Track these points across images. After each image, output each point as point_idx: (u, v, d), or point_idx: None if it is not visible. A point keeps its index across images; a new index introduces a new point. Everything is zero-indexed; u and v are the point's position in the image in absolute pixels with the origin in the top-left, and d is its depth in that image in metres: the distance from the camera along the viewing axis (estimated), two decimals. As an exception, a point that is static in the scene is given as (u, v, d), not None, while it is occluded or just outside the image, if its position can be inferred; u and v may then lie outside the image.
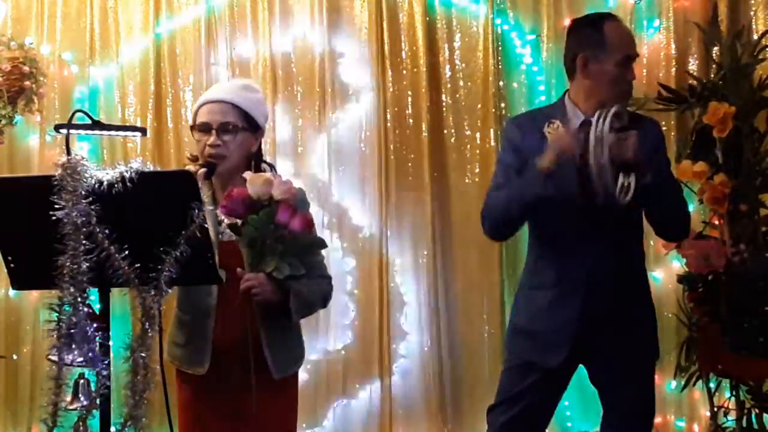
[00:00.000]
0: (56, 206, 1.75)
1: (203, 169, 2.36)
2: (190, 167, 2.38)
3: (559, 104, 2.64)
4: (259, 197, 2.24)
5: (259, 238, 2.24)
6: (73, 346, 1.77)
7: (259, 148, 2.56)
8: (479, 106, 4.04)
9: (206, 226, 1.88)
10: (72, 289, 1.75)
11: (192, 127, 2.49)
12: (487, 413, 2.72)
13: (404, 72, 4.11)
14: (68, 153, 1.84)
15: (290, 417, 2.51)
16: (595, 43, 2.53)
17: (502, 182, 2.57)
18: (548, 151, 2.39)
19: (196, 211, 1.83)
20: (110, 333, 1.91)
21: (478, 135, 4.07)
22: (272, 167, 2.61)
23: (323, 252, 2.51)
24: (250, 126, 2.47)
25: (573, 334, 2.53)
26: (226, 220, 2.40)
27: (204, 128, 2.44)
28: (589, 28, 2.58)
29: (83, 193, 1.77)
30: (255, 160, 2.52)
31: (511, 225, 2.61)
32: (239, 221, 2.27)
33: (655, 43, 3.99)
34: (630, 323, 2.57)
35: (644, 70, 3.97)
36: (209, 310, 2.38)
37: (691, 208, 3.54)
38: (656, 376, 3.85)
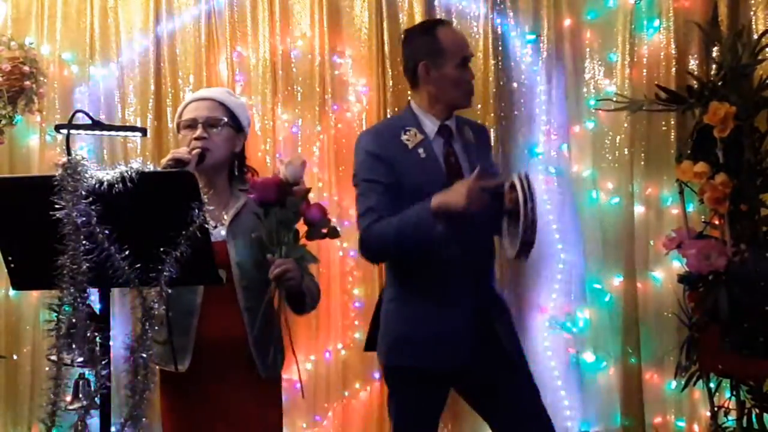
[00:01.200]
0: (56, 206, 1.75)
1: (197, 151, 2.38)
2: (181, 150, 2.39)
3: (408, 114, 2.67)
4: (296, 180, 2.26)
5: (290, 224, 2.26)
6: (73, 346, 1.77)
7: (243, 150, 2.58)
8: (479, 106, 4.04)
9: (206, 226, 1.88)
10: (72, 289, 1.75)
11: (178, 126, 2.53)
12: None
13: (404, 72, 4.10)
14: (68, 153, 1.84)
15: (275, 417, 2.51)
16: (432, 51, 2.61)
17: (375, 206, 2.50)
18: (450, 197, 2.37)
19: (196, 211, 1.84)
20: (110, 333, 1.91)
21: (478, 135, 4.06)
22: (255, 171, 2.62)
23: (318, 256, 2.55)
24: (235, 124, 2.51)
25: (470, 334, 2.52)
26: (212, 222, 2.40)
27: (190, 124, 2.47)
28: (424, 36, 2.65)
29: (83, 193, 1.77)
30: (238, 161, 2.55)
31: (398, 254, 2.53)
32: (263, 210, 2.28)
33: (655, 43, 3.99)
34: (506, 318, 2.67)
35: (644, 70, 3.98)
36: (194, 307, 2.38)
37: (691, 208, 3.58)
38: (656, 376, 3.90)
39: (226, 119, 2.48)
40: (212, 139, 2.44)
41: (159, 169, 2.36)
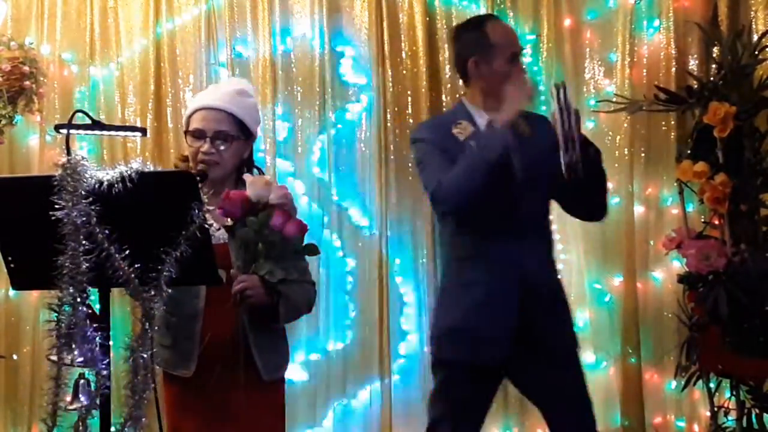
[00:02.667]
0: (56, 206, 1.75)
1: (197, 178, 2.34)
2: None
3: (460, 109, 2.70)
4: (259, 199, 2.24)
5: (254, 241, 2.24)
6: (73, 346, 1.77)
7: (251, 154, 2.57)
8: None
9: (206, 226, 1.88)
10: (72, 290, 1.75)
11: (185, 132, 2.49)
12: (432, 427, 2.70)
13: (404, 72, 4.10)
14: (68, 153, 1.84)
15: (278, 419, 2.50)
16: (481, 46, 2.62)
17: (438, 167, 2.54)
18: (506, 108, 2.45)
19: (196, 211, 1.83)
20: (110, 333, 1.90)
21: (478, 135, 4.06)
22: (261, 172, 2.61)
23: (308, 258, 2.50)
24: (244, 134, 2.47)
25: (513, 326, 2.54)
26: (215, 224, 2.40)
27: (198, 135, 2.43)
28: (473, 32, 2.66)
29: (83, 193, 1.76)
30: (246, 166, 2.53)
31: (472, 195, 2.50)
32: (232, 223, 2.27)
33: (655, 43, 3.98)
34: (564, 315, 2.67)
35: (644, 70, 3.97)
36: (197, 312, 2.37)
37: (691, 208, 3.58)
38: (656, 376, 3.90)
39: (234, 133, 2.43)
40: (220, 154, 2.41)
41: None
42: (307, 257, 2.46)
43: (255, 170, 2.58)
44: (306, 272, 2.49)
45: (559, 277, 2.77)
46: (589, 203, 2.69)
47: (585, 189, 2.53)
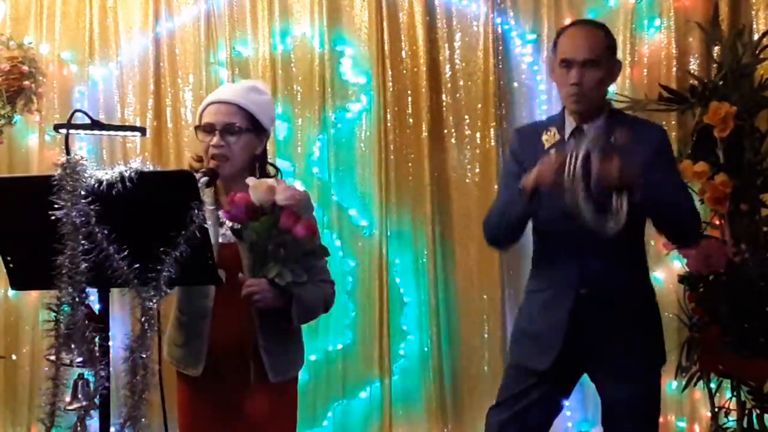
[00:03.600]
0: (55, 206, 1.74)
1: (204, 178, 2.32)
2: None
3: (559, 114, 2.69)
4: (262, 204, 2.23)
5: (261, 244, 2.23)
6: (72, 346, 1.77)
7: (264, 151, 2.53)
8: (479, 106, 4.04)
9: (206, 226, 1.87)
10: (71, 290, 1.75)
11: (197, 128, 2.47)
12: (487, 412, 2.73)
13: (404, 72, 4.10)
14: (67, 153, 1.83)
15: (288, 421, 2.50)
16: (554, 50, 2.64)
17: (502, 191, 2.66)
18: (531, 174, 2.42)
19: (196, 211, 1.83)
20: (109, 333, 1.90)
21: (478, 135, 4.06)
22: (278, 170, 2.59)
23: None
24: (255, 128, 2.44)
25: (562, 335, 2.54)
26: (227, 222, 2.39)
27: (208, 129, 2.41)
28: (557, 36, 2.67)
29: (82, 192, 1.76)
30: (259, 163, 2.50)
31: (503, 236, 2.68)
32: (240, 226, 2.26)
33: (655, 43, 3.98)
34: (625, 327, 2.56)
35: (645, 70, 3.97)
36: (206, 311, 2.37)
37: (691, 208, 3.57)
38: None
39: (244, 126, 2.41)
40: (230, 147, 2.39)
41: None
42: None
43: (271, 168, 2.56)
44: (324, 270, 2.46)
45: (633, 290, 2.63)
46: (665, 233, 2.67)
47: (658, 222, 2.55)
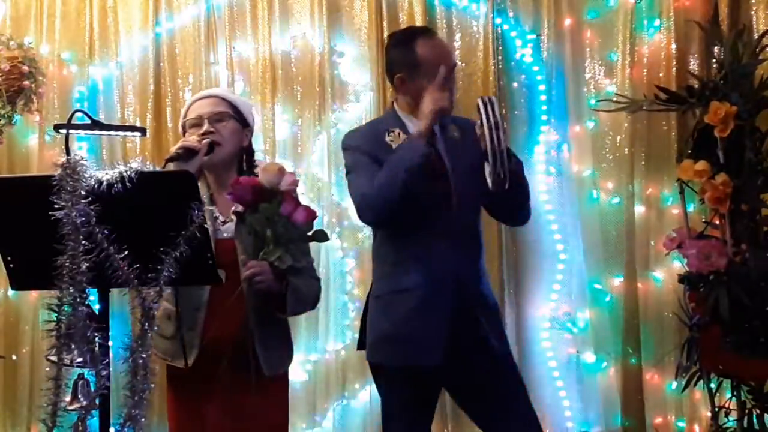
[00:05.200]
0: (55, 206, 1.74)
1: (206, 141, 2.39)
2: (190, 139, 2.40)
3: (392, 115, 2.70)
4: (272, 186, 2.26)
5: (264, 228, 2.25)
6: (73, 346, 1.77)
7: (250, 145, 2.59)
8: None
9: (206, 226, 1.87)
10: (71, 290, 1.75)
11: (183, 127, 2.53)
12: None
13: (404, 72, 4.10)
14: (67, 153, 1.84)
15: (280, 415, 2.51)
16: (409, 64, 2.61)
17: (366, 177, 2.52)
18: (424, 117, 2.46)
19: (196, 211, 1.83)
20: (110, 333, 1.90)
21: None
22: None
23: (312, 255, 2.56)
24: (240, 119, 2.53)
25: (446, 334, 2.53)
26: (221, 217, 2.41)
27: (196, 122, 2.49)
28: (402, 48, 2.65)
29: (83, 193, 1.76)
30: (247, 157, 2.56)
31: (395, 205, 2.48)
32: (242, 209, 2.29)
33: (655, 43, 3.98)
34: (493, 319, 2.66)
35: (645, 70, 3.97)
36: (201, 303, 2.38)
37: (691, 207, 3.57)
38: (656, 376, 3.89)
39: (230, 112, 2.50)
40: (220, 133, 2.46)
41: (170, 154, 2.39)
42: (313, 248, 2.52)
43: (259, 162, 2.60)
44: (312, 268, 2.53)
45: (488, 284, 2.74)
46: (513, 211, 2.72)
47: (510, 198, 2.54)
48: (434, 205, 2.55)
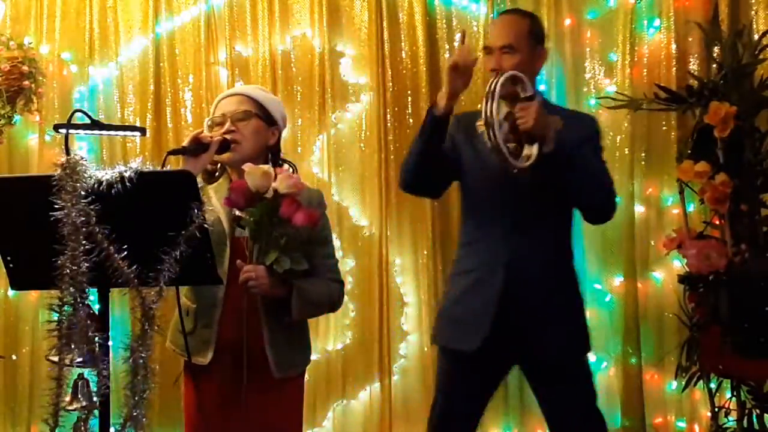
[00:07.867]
0: (55, 206, 1.74)
1: (218, 138, 2.37)
2: (205, 133, 2.40)
3: None
4: (258, 189, 2.24)
5: (262, 231, 2.24)
6: (73, 346, 1.77)
7: (278, 144, 2.56)
8: (479, 106, 4.02)
9: (206, 226, 1.87)
10: (72, 290, 1.75)
11: (210, 127, 2.50)
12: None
13: (404, 72, 4.10)
14: (67, 153, 1.84)
15: (292, 417, 2.50)
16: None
17: None
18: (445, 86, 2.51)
19: (196, 211, 1.83)
20: (110, 333, 1.90)
21: (478, 135, 4.06)
22: (292, 166, 2.59)
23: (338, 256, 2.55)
24: (266, 117, 2.49)
25: (491, 318, 2.55)
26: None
27: (220, 120, 2.47)
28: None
29: (83, 193, 1.76)
30: (273, 156, 2.52)
31: (416, 173, 2.63)
32: (241, 213, 2.28)
33: (655, 43, 3.98)
34: (553, 313, 2.61)
35: (645, 70, 3.97)
36: (216, 299, 2.38)
37: (691, 208, 3.57)
38: (656, 376, 3.89)
39: (254, 111, 2.47)
40: (241, 132, 2.43)
41: (177, 147, 2.39)
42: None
43: (286, 164, 2.57)
44: (334, 270, 2.49)
45: (562, 275, 2.70)
46: (579, 204, 2.65)
47: (570, 187, 2.53)
48: (493, 189, 2.59)
